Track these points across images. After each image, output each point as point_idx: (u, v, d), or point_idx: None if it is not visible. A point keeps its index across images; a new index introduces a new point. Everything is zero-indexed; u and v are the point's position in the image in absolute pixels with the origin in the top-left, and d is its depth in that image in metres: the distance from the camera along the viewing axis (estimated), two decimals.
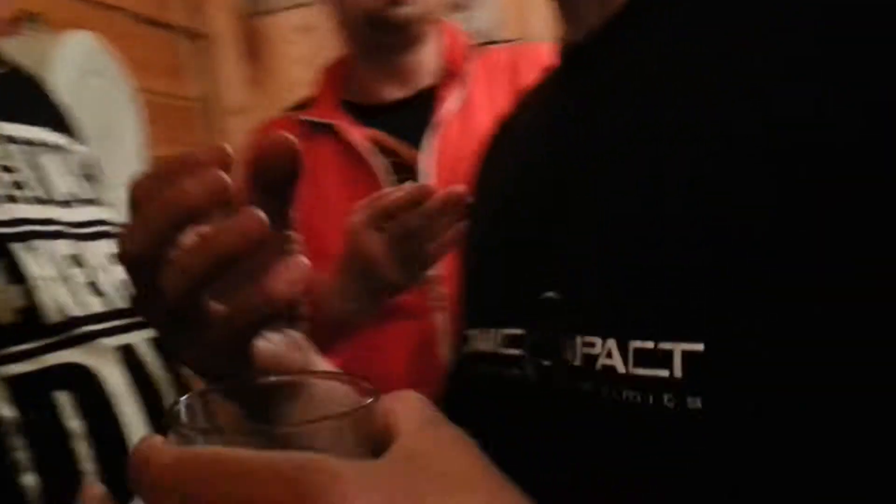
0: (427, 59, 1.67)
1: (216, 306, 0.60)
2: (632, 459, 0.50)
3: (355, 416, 0.43)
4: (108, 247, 1.00)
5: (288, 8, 2.77)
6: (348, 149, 1.60)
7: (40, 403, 0.81)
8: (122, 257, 0.58)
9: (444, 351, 1.50)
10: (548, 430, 0.49)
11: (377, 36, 1.60)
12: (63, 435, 0.81)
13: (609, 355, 0.52)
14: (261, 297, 0.58)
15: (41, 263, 0.87)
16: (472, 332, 0.73)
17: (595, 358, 0.54)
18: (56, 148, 1.03)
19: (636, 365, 0.50)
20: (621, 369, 0.51)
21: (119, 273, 0.98)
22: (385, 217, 1.27)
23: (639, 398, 0.50)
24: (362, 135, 1.60)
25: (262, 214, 0.56)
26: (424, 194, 1.23)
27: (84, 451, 0.82)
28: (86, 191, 1.03)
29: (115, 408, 0.86)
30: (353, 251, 1.31)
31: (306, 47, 2.76)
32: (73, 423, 0.82)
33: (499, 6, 2.73)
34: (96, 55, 1.96)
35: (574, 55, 0.71)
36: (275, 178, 0.62)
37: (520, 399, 0.58)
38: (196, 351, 0.62)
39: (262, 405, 0.50)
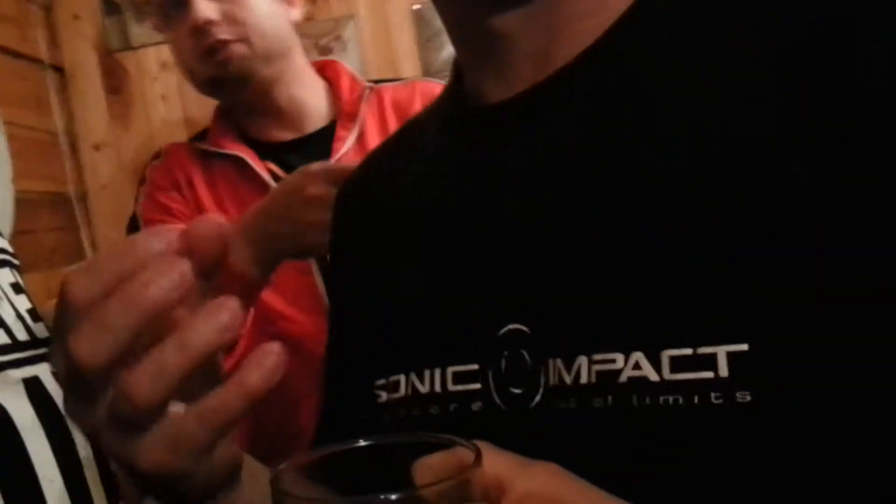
0: (313, 102, 1.69)
1: (180, 406, 0.52)
2: (677, 456, 0.53)
3: (472, 473, 0.44)
4: (8, 276, 0.96)
5: (151, 44, 2.72)
6: (251, 179, 1.63)
7: None
8: (73, 367, 0.49)
9: None
10: (541, 452, 0.49)
11: (225, 95, 1.65)
12: None
13: (637, 367, 0.54)
14: (239, 393, 0.51)
15: None
16: (396, 378, 0.71)
17: (616, 373, 0.55)
18: None
19: (673, 371, 0.53)
20: (654, 377, 0.54)
21: (20, 303, 0.94)
22: (333, 181, 1.27)
23: (680, 400, 0.53)
24: (264, 168, 1.62)
25: (235, 304, 0.50)
26: None
27: None
28: None
29: (22, 442, 0.82)
30: (284, 207, 1.31)
31: (170, 83, 2.71)
32: None
33: (365, 51, 2.75)
34: None
35: (512, 111, 0.68)
36: (202, 262, 0.53)
37: (490, 430, 0.55)
38: (152, 454, 0.51)
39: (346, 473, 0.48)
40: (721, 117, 0.56)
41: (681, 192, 0.56)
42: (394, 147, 0.89)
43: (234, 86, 1.60)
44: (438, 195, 0.75)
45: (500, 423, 0.62)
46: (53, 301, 1.04)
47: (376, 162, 0.90)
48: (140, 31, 2.70)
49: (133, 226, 1.64)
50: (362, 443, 0.49)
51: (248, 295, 1.40)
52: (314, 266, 1.55)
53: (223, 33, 1.56)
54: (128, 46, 2.75)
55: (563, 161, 0.64)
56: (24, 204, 2.13)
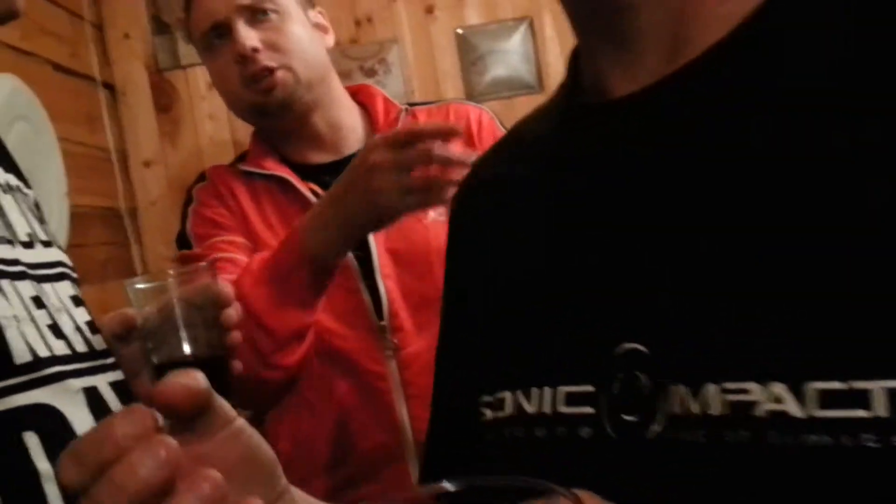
0: (350, 125, 1.73)
1: None
2: (822, 502, 0.47)
3: None
4: (68, 289, 0.99)
5: (200, 64, 2.77)
6: (294, 197, 1.66)
7: (10, 444, 0.80)
8: None
9: (397, 398, 1.57)
10: (658, 490, 0.48)
11: (267, 121, 1.70)
12: (33, 476, 0.80)
13: (777, 400, 0.48)
14: None
15: (9, 303, 0.86)
16: (501, 395, 0.67)
17: (751, 405, 0.49)
18: (11, 188, 1.03)
19: (821, 407, 0.47)
20: (797, 413, 0.48)
21: (79, 315, 0.98)
22: (405, 143, 1.33)
23: (827, 441, 0.46)
24: (307, 187, 1.66)
25: (217, 475, 0.51)
26: (452, 131, 1.36)
27: (53, 493, 0.81)
28: (41, 232, 1.03)
29: None
30: (351, 182, 1.38)
31: (217, 103, 2.76)
32: (43, 464, 0.81)
33: (409, 74, 2.79)
34: (21, 99, 1.94)
35: (637, 107, 0.61)
36: (186, 416, 0.55)
37: (600, 461, 0.54)
38: None
39: None
40: (862, 130, 0.50)
41: (831, 207, 0.50)
42: (501, 150, 0.83)
43: (277, 112, 1.65)
44: (550, 198, 0.68)
45: (611, 453, 0.56)
46: (108, 315, 1.07)
47: (483, 167, 0.84)
48: (189, 50, 2.75)
49: (182, 241, 1.68)
50: (449, 487, 0.47)
51: (322, 280, 1.45)
52: (361, 284, 1.58)
53: (267, 60, 1.61)
54: (177, 65, 2.81)
55: (692, 166, 0.57)
56: (76, 218, 2.18)
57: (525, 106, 2.76)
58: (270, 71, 1.61)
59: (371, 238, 1.59)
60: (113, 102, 2.76)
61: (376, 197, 1.34)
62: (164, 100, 2.80)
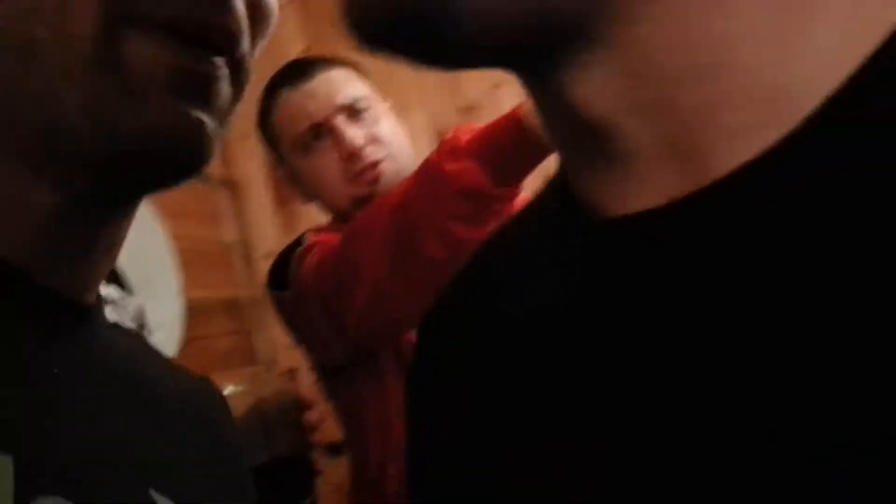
0: None
1: None
2: None
3: None
4: None
5: None
6: None
7: None
8: None
9: None
10: None
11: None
12: None
13: None
14: None
15: None
16: None
17: None
18: (110, 302, 1.11)
19: None
20: None
21: None
22: None
23: None
24: None
25: None
26: None
27: None
28: None
29: None
30: None
31: None
32: None
33: None
34: None
35: (650, 228, 0.42)
36: None
37: None
38: None
39: None
40: None
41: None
42: (490, 254, 0.60)
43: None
44: (544, 342, 0.48)
45: None
46: None
47: (458, 290, 0.61)
48: None
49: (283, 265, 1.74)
50: None
51: (525, 160, 1.39)
52: None
53: (372, 155, 1.68)
54: None
55: (724, 315, 0.39)
56: (196, 311, 2.28)
57: None
58: (376, 164, 1.67)
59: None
60: (234, 199, 2.91)
61: None
62: (283, 194, 2.91)
